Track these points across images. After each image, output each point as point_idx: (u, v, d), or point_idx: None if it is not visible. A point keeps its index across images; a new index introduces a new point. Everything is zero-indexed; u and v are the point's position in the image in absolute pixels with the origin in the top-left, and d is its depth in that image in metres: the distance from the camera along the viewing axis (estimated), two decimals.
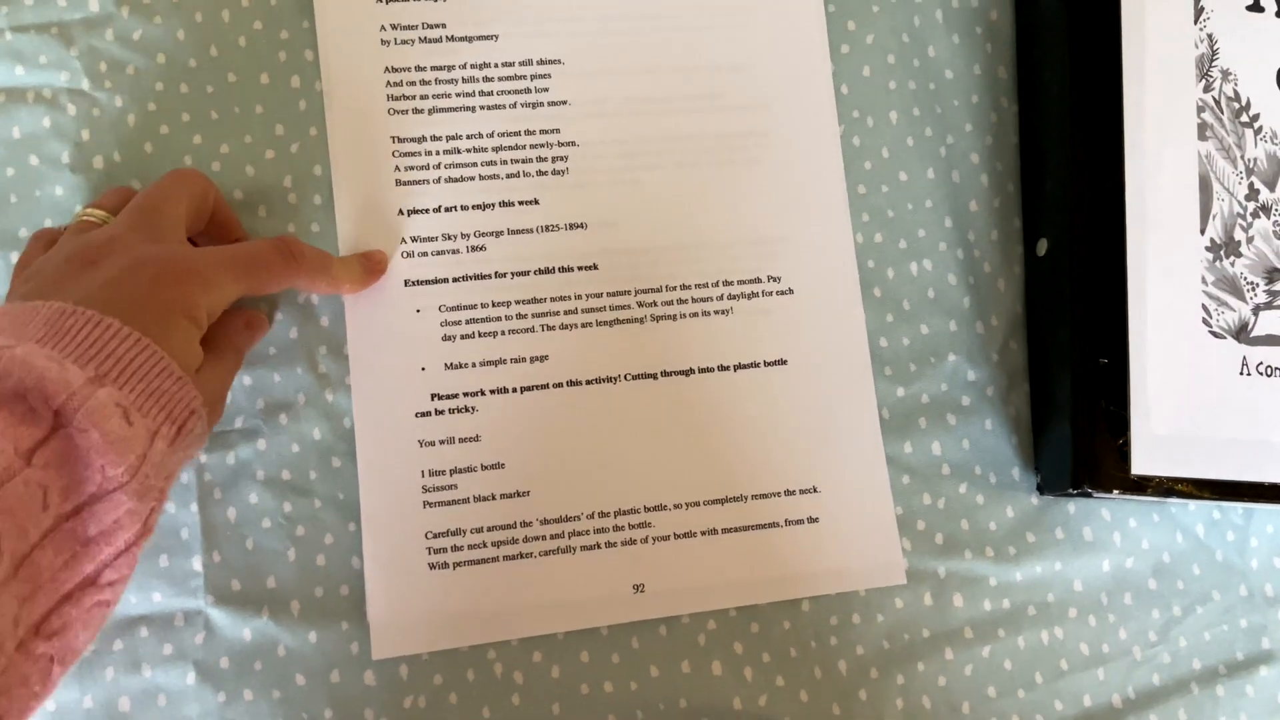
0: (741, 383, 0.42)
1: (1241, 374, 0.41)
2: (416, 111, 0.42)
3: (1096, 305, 0.40)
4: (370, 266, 0.40)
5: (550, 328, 0.42)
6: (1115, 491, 0.39)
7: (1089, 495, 0.40)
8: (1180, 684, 0.42)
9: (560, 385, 0.41)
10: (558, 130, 0.43)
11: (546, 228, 0.42)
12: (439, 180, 0.42)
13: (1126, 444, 0.39)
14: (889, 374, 0.43)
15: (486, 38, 0.43)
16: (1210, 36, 0.42)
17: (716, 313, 0.43)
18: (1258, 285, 0.41)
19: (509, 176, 0.42)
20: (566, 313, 0.42)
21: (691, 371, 0.42)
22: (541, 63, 0.43)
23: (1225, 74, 0.42)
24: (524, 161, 0.43)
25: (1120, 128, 0.41)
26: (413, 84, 0.42)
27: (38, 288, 0.33)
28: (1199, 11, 0.42)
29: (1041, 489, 0.42)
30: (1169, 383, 0.40)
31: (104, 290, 0.32)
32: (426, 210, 0.42)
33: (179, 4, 0.42)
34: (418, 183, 0.42)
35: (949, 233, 0.44)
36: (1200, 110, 0.42)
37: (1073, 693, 0.41)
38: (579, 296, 0.42)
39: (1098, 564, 0.42)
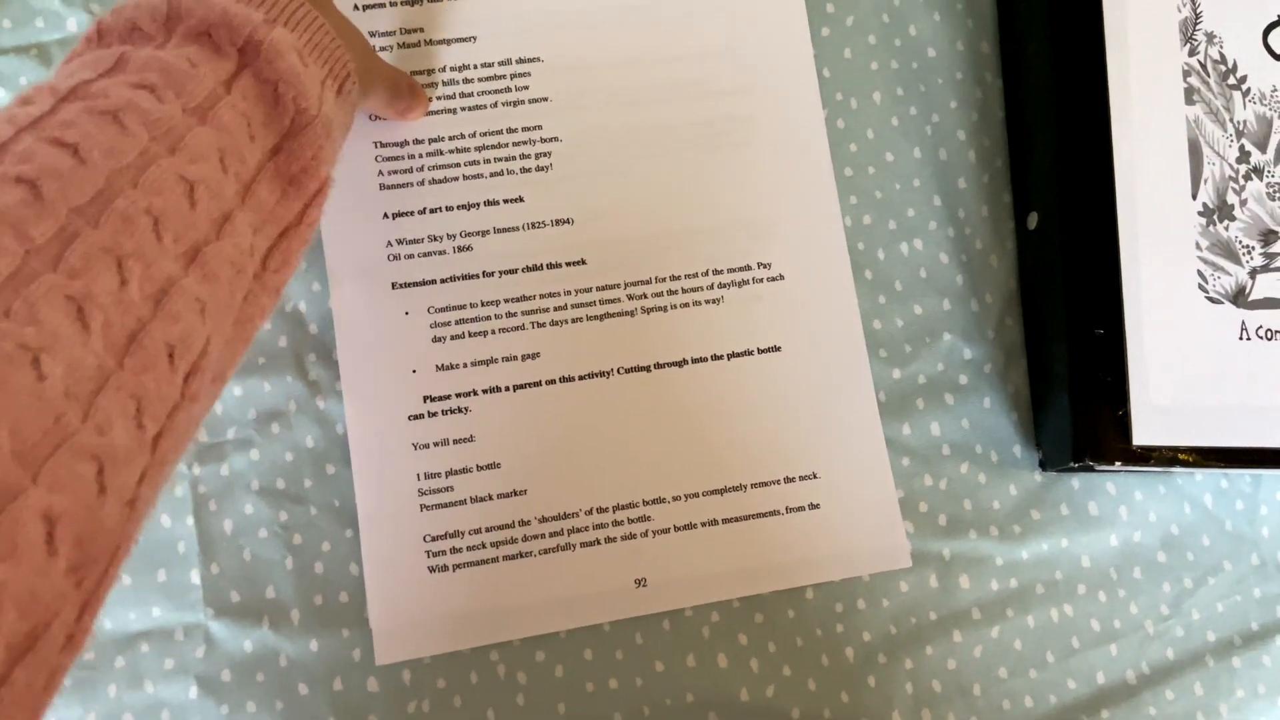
0: (736, 371, 0.42)
1: (1241, 339, 0.40)
2: None
3: (1090, 276, 0.40)
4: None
5: (540, 324, 0.41)
6: (1117, 463, 0.38)
7: (1091, 469, 0.40)
8: (1195, 657, 0.41)
9: (553, 382, 0.41)
10: (540, 127, 0.43)
11: (532, 225, 0.42)
12: (423, 183, 0.42)
13: (1126, 415, 0.39)
14: (884, 356, 0.43)
15: (464, 40, 0.43)
16: (1193, 0, 0.42)
17: (708, 302, 0.42)
18: (1254, 248, 0.41)
19: (493, 175, 0.42)
20: (556, 309, 0.41)
21: (685, 362, 0.42)
22: (521, 61, 0.43)
23: (1210, 37, 0.42)
24: (507, 160, 0.42)
25: (1105, 96, 0.41)
26: None
27: None
28: None
29: (1044, 465, 0.42)
30: (1167, 351, 0.39)
31: None
32: (411, 213, 0.42)
33: None
34: (402, 186, 0.42)
35: (938, 211, 0.44)
36: (1186, 74, 0.41)
37: (1086, 670, 0.41)
38: (568, 292, 0.42)
39: (1105, 539, 0.42)
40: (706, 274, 0.42)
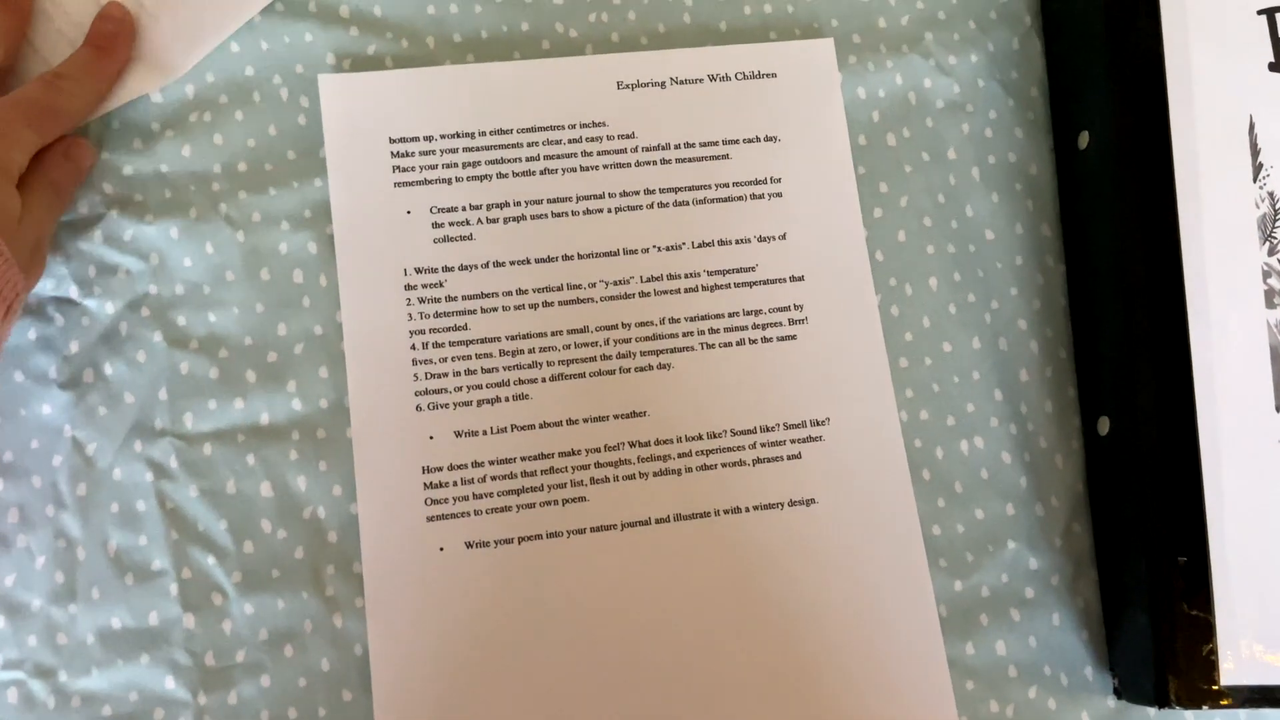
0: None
1: None
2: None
3: (1169, 494, 0.37)
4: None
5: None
6: (1205, 707, 0.35)
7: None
8: None
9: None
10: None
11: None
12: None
13: (1214, 653, 0.36)
14: (944, 565, 0.40)
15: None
16: (1271, 195, 0.40)
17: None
18: None
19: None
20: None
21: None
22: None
23: None
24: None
25: (1181, 295, 0.38)
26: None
27: None
28: (1258, 169, 0.40)
29: (1119, 694, 0.39)
30: (1256, 582, 0.36)
31: None
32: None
33: (171, 201, 0.39)
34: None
35: (1000, 406, 0.41)
36: (1266, 275, 0.39)
37: None
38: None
39: None
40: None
